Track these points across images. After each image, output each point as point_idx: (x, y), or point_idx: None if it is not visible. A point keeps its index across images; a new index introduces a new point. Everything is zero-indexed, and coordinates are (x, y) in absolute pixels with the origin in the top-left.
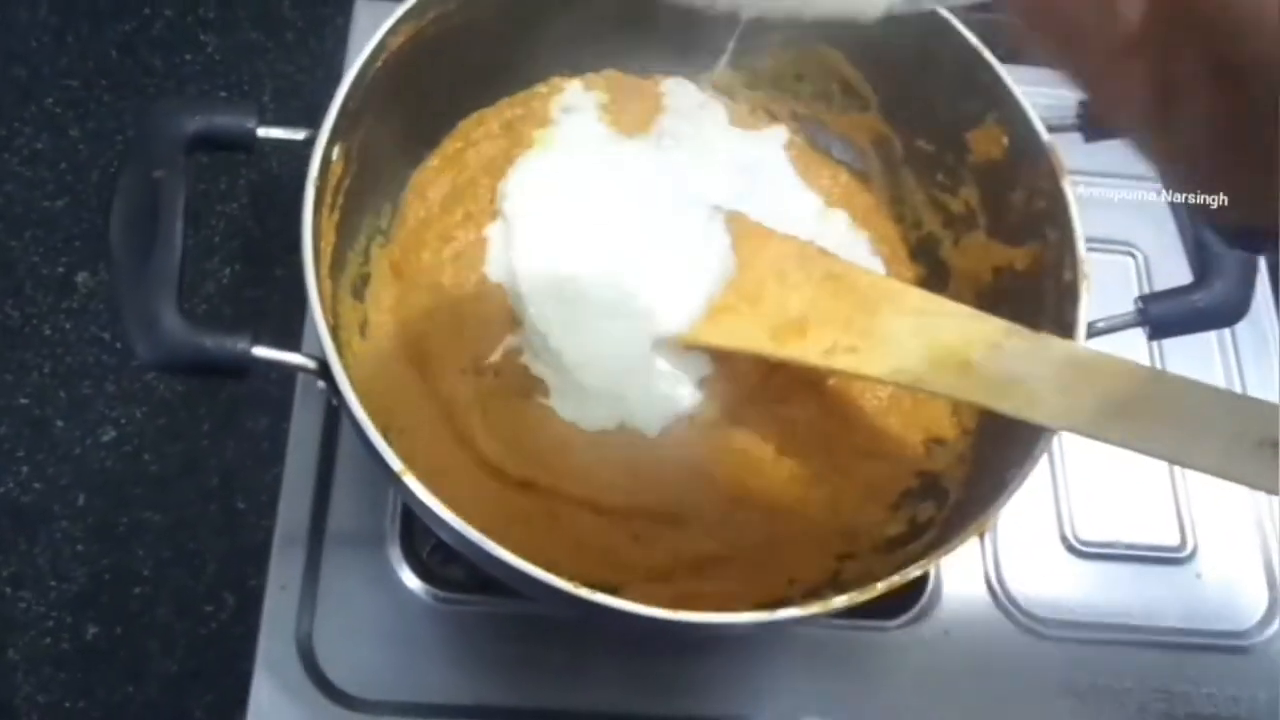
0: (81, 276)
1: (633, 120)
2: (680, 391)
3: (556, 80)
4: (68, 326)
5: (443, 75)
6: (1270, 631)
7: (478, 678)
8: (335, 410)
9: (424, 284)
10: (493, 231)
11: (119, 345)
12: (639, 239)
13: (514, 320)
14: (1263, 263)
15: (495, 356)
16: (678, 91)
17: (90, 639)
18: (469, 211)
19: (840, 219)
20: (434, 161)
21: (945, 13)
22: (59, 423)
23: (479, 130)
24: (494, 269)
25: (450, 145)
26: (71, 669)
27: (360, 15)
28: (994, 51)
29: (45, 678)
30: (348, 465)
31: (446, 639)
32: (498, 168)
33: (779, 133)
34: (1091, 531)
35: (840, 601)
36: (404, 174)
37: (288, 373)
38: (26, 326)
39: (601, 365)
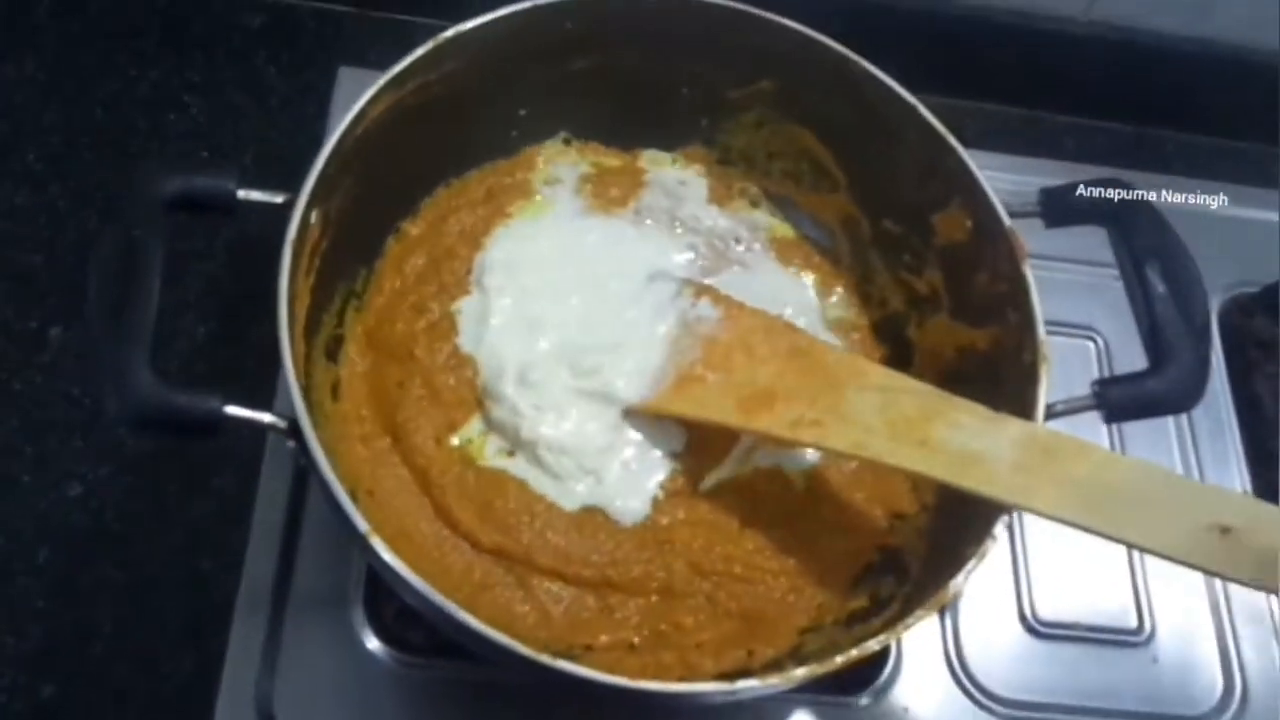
0: (54, 332)
1: (613, 195)
2: (652, 472)
3: (538, 150)
4: (38, 381)
5: (422, 144)
6: (1225, 718)
7: None
8: (303, 470)
9: (398, 354)
10: (467, 305)
11: (88, 401)
12: (612, 316)
13: (486, 395)
14: (1218, 349)
15: (467, 429)
16: (657, 166)
17: (46, 698)
18: (444, 284)
19: (809, 296)
20: (412, 231)
21: (911, 99)
22: (25, 478)
23: (460, 198)
24: (466, 342)
25: (429, 213)
26: None
27: (343, 82)
28: (958, 137)
29: None
30: (314, 526)
31: (408, 703)
32: (475, 239)
33: (758, 214)
34: (1051, 612)
35: (800, 674)
36: (380, 238)
37: (258, 432)
38: None
39: (574, 452)
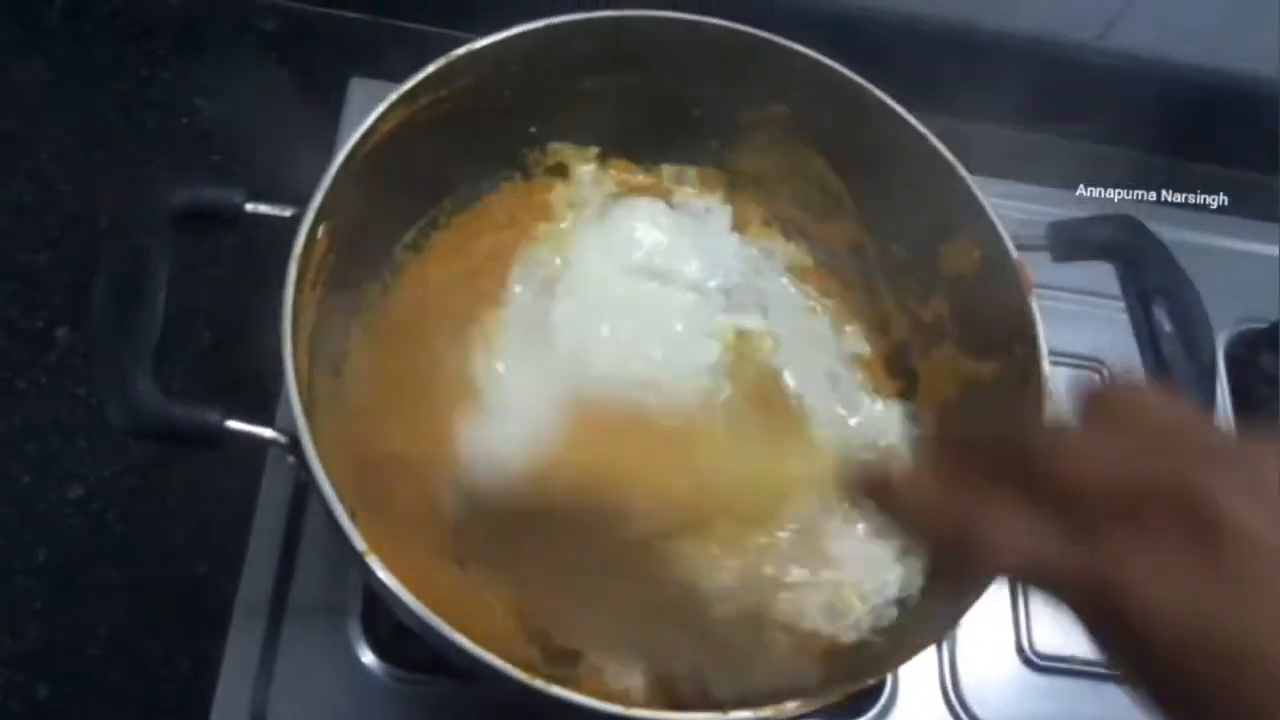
0: (60, 332)
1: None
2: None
3: (558, 162)
4: (43, 381)
5: (432, 157)
6: None
7: None
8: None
9: (416, 363)
10: (491, 321)
11: (94, 402)
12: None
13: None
14: (1224, 385)
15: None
16: (680, 186)
17: (41, 699)
18: (469, 297)
19: (827, 332)
20: (431, 244)
21: (920, 126)
22: (26, 478)
23: (480, 221)
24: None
25: (456, 223)
26: None
27: (354, 93)
28: (967, 163)
29: None
30: (314, 536)
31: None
32: (503, 257)
33: (777, 242)
34: (1049, 645)
35: (793, 706)
36: (390, 252)
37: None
38: (0, 379)
39: None
